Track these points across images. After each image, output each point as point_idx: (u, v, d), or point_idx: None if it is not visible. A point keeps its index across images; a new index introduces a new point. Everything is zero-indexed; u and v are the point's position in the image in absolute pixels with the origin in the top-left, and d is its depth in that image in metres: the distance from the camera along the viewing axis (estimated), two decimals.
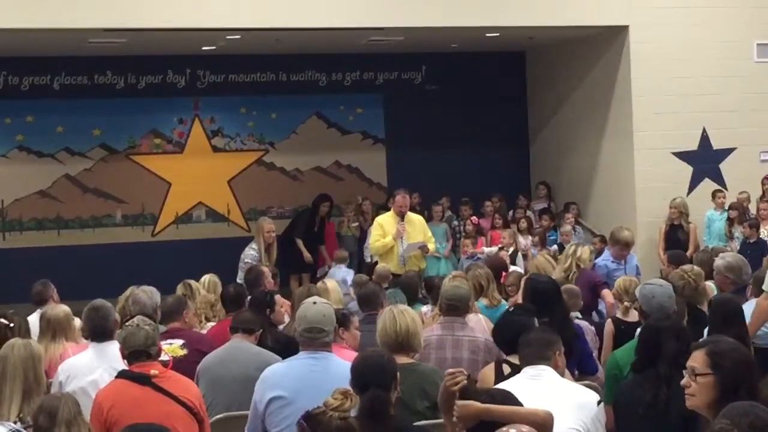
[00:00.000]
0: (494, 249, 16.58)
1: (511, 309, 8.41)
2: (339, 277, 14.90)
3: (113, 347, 7.78)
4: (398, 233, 13.85)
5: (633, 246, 13.69)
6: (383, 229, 14.01)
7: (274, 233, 14.22)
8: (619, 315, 10.05)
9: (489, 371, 7.45)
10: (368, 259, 15.93)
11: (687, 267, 10.20)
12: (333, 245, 18.17)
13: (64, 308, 9.06)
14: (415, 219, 14.33)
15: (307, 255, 17.56)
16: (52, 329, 8.76)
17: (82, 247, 18.49)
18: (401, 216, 14.05)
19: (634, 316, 9.54)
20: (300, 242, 17.64)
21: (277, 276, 12.71)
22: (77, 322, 9.19)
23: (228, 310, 9.84)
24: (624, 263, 13.09)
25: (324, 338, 6.75)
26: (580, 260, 11.89)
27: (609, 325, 9.86)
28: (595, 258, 13.39)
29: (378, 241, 13.99)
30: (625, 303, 9.94)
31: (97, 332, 7.99)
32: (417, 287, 11.86)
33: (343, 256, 16.97)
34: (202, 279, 11.20)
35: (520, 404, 5.34)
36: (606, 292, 11.53)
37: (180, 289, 10.55)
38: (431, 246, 14.32)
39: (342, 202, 18.88)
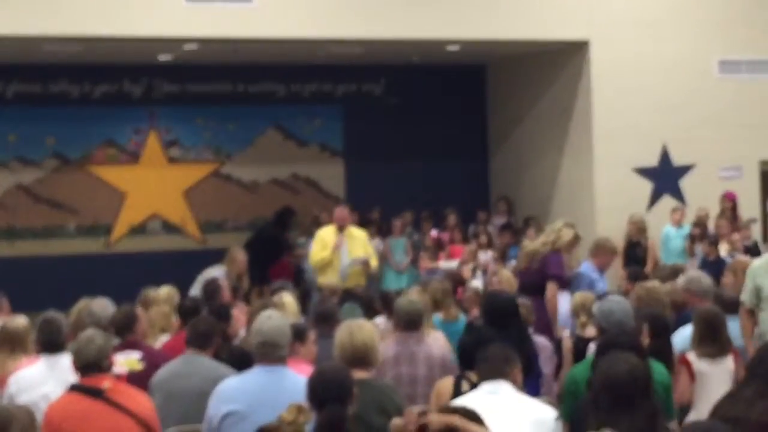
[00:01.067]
0: (453, 263, 16.52)
1: (475, 324, 8.37)
2: None
3: (65, 360, 7.74)
4: (336, 245, 13.83)
5: None
6: (323, 242, 14.02)
7: (245, 263, 14.12)
8: (576, 331, 9.99)
9: (446, 385, 7.42)
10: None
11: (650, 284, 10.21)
12: (287, 261, 18.05)
13: (23, 321, 8.89)
14: (357, 233, 14.41)
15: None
16: (10, 342, 8.58)
17: (35, 258, 18.27)
18: (341, 229, 14.01)
19: (592, 332, 9.49)
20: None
21: (239, 290, 12.59)
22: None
23: (184, 323, 9.68)
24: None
25: (279, 353, 6.73)
26: (560, 239, 11.85)
27: (567, 342, 9.84)
28: None
29: (317, 254, 14.01)
30: (582, 319, 9.89)
31: (50, 344, 7.98)
32: (373, 301, 11.75)
33: None
34: (161, 290, 11.09)
35: (485, 425, 5.22)
36: (551, 286, 11.45)
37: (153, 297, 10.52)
38: (373, 262, 14.31)
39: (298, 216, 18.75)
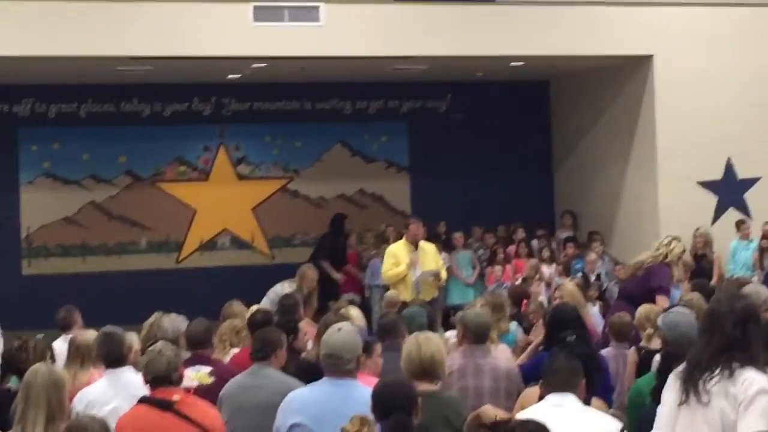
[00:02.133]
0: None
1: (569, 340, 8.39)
2: None
3: (128, 374, 7.79)
4: (412, 262, 13.83)
5: None
6: (396, 257, 14.00)
7: (316, 282, 14.22)
8: (642, 343, 10.01)
9: (532, 396, 7.43)
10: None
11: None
12: (356, 274, 18.19)
13: (93, 334, 8.99)
14: (428, 247, 14.29)
15: (335, 275, 17.51)
16: (81, 355, 8.73)
17: (107, 273, 18.56)
18: (415, 245, 14.03)
19: (656, 343, 9.51)
20: (326, 264, 17.57)
21: (308, 305, 12.72)
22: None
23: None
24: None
25: (344, 366, 6.70)
26: (671, 252, 11.99)
27: (632, 354, 9.84)
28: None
29: (391, 270, 13.99)
30: (648, 331, 9.91)
31: (111, 359, 7.94)
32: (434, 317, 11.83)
33: None
34: (234, 303, 11.25)
35: None
36: (662, 299, 11.52)
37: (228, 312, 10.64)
38: (443, 274, 14.30)
39: (363, 230, 18.86)
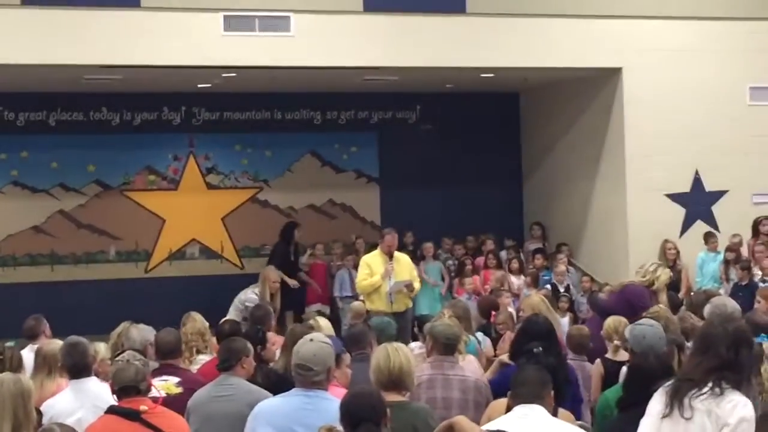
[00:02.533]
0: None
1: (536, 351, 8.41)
2: None
3: (91, 383, 7.77)
4: (386, 272, 13.84)
5: None
6: (370, 268, 14.02)
7: (278, 283, 14.22)
8: (608, 355, 10.05)
9: (500, 406, 7.42)
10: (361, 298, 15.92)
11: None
12: (324, 285, 18.16)
13: (59, 344, 8.93)
14: (402, 258, 14.34)
15: (290, 281, 17.41)
16: (48, 365, 8.71)
17: (76, 282, 18.49)
18: (390, 255, 14.05)
19: (623, 356, 9.55)
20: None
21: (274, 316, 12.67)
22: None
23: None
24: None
25: (314, 377, 6.68)
26: (658, 280, 12.10)
27: (598, 366, 9.87)
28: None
29: (365, 280, 14.01)
30: (615, 342, 9.95)
31: (77, 369, 7.92)
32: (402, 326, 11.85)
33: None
34: (192, 314, 11.18)
35: None
36: None
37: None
38: (416, 285, 14.33)
39: (331, 241, 18.87)
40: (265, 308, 11.57)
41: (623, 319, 10.34)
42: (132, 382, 6.65)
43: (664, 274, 12.34)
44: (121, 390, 6.66)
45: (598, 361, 10.00)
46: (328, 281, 18.29)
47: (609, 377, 9.42)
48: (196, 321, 10.62)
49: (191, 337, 10.25)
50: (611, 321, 10.36)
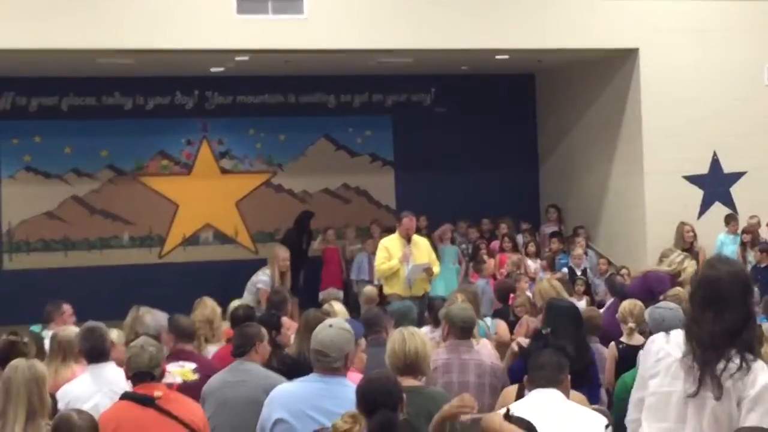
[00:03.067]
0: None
1: (545, 332, 8.35)
2: None
3: (109, 369, 7.77)
4: (404, 256, 13.77)
5: None
6: (389, 251, 13.95)
7: (288, 261, 14.17)
8: (623, 339, 9.97)
9: (510, 394, 7.38)
10: (376, 282, 15.86)
11: None
12: (337, 269, 18.10)
13: (74, 330, 8.98)
14: (420, 241, 14.27)
15: None
16: (63, 351, 8.70)
17: (89, 268, 18.50)
18: (408, 239, 13.98)
19: (638, 339, 9.49)
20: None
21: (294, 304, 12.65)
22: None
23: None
24: None
25: (331, 363, 6.61)
26: (684, 272, 12.07)
27: (612, 349, 9.81)
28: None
29: (384, 264, 13.94)
30: (630, 325, 9.87)
31: (94, 354, 7.93)
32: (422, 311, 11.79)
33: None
34: (204, 299, 11.14)
35: None
36: None
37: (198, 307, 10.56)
38: (436, 269, 14.24)
39: (343, 226, 18.82)
40: (283, 294, 11.60)
41: (639, 302, 10.28)
42: (146, 368, 6.66)
43: (691, 266, 12.22)
44: (136, 376, 6.69)
45: (612, 344, 9.94)
46: (342, 265, 18.22)
47: (622, 361, 9.37)
48: (206, 307, 10.57)
49: (199, 325, 10.19)
50: (627, 304, 10.30)
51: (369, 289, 13.91)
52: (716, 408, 5.06)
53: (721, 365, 5.07)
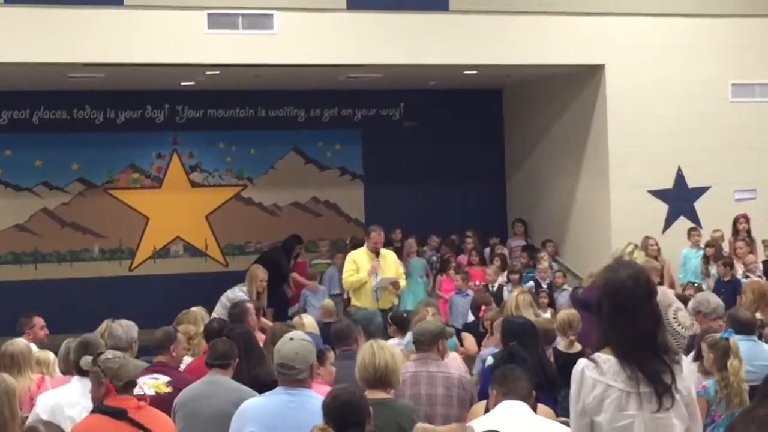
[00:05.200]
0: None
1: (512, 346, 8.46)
2: None
3: None
4: (373, 269, 13.85)
5: None
6: (356, 264, 14.04)
7: (265, 282, 14.24)
8: (560, 348, 10.11)
9: (480, 409, 7.46)
10: (346, 295, 15.95)
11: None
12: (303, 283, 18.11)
13: (22, 341, 9.17)
14: (388, 255, 14.36)
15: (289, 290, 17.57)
16: (17, 364, 8.77)
17: (60, 281, 18.48)
18: (376, 252, 14.06)
19: (576, 348, 9.65)
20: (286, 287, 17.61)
21: (260, 312, 12.64)
22: (51, 356, 9.22)
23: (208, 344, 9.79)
24: None
25: (296, 375, 6.66)
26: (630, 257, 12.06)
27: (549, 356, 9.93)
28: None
29: (352, 276, 14.01)
30: (570, 337, 10.04)
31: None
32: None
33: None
34: (192, 310, 11.23)
35: None
36: None
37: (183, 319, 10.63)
38: (402, 282, 14.34)
39: (317, 239, 18.91)
40: (242, 306, 11.54)
41: (575, 312, 10.45)
42: (134, 377, 6.65)
43: (640, 257, 12.16)
44: (128, 384, 6.61)
45: (549, 350, 10.05)
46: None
47: (560, 369, 9.33)
48: (189, 323, 10.66)
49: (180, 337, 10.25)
50: (564, 314, 10.47)
51: (326, 303, 14.02)
52: (677, 414, 5.06)
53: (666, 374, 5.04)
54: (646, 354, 5.05)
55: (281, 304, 16.82)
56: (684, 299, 11.51)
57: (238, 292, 13.98)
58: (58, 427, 5.85)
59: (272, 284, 16.05)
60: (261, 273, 14.25)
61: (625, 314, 5.07)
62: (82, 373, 7.89)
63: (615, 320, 5.10)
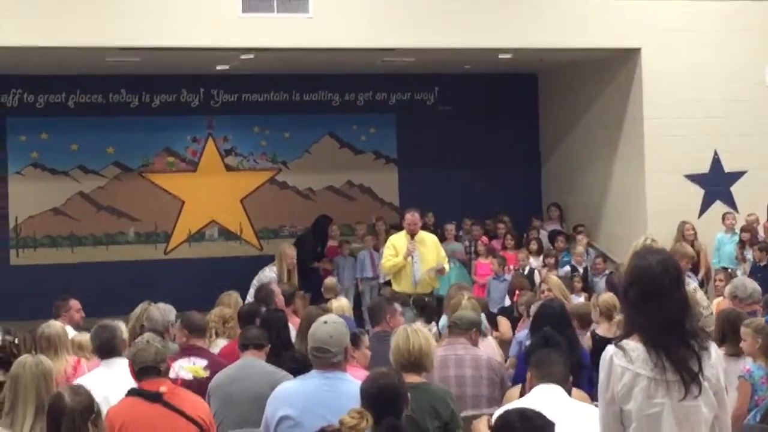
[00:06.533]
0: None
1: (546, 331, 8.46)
2: None
3: (120, 364, 7.81)
4: (408, 252, 13.77)
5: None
6: (395, 248, 13.93)
7: (295, 259, 14.24)
8: (599, 332, 10.07)
9: (514, 394, 7.48)
10: (382, 279, 15.96)
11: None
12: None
13: (58, 324, 9.25)
14: (428, 238, 14.22)
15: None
16: (53, 346, 8.84)
17: (96, 264, 18.57)
18: (412, 234, 14.00)
19: (616, 333, 9.63)
20: (315, 265, 17.61)
21: (293, 296, 12.64)
22: (88, 338, 9.29)
23: (242, 328, 9.83)
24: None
25: (331, 359, 6.66)
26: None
27: (587, 340, 9.89)
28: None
29: (389, 261, 13.94)
30: (616, 318, 9.99)
31: (105, 349, 7.97)
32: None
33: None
34: (231, 293, 11.31)
35: (551, 424, 5.19)
36: None
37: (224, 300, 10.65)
38: (446, 266, 14.25)
39: (354, 222, 18.92)
40: (267, 288, 11.58)
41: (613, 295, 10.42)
42: (153, 363, 6.67)
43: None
44: (141, 371, 6.69)
45: (587, 335, 10.02)
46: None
47: (598, 354, 9.29)
48: (229, 306, 10.72)
49: (213, 320, 10.31)
50: (606, 298, 10.42)
51: (328, 281, 14.11)
52: (705, 401, 5.02)
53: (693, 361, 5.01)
54: (674, 341, 5.02)
55: (316, 288, 16.80)
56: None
57: (267, 273, 14.02)
58: (87, 394, 5.80)
59: (303, 267, 16.11)
60: (290, 250, 14.29)
61: (653, 301, 5.04)
62: (104, 355, 7.97)
63: (642, 307, 5.07)
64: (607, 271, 16.67)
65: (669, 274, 5.11)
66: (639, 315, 5.09)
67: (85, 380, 7.88)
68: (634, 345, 5.06)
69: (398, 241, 14.07)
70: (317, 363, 6.74)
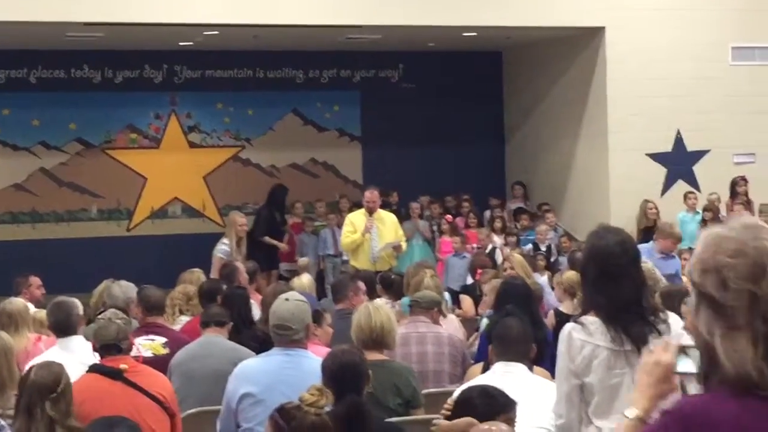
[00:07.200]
0: None
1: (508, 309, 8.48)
2: None
3: (76, 341, 7.78)
4: (366, 228, 13.82)
5: None
6: (354, 225, 14.01)
7: (245, 227, 14.21)
8: (563, 309, 10.09)
9: (476, 371, 7.49)
10: (345, 257, 15.93)
11: None
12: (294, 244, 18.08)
13: (20, 301, 9.23)
14: (386, 217, 14.29)
15: (281, 245, 17.51)
16: (14, 322, 8.80)
17: (57, 241, 18.47)
18: (370, 212, 14.04)
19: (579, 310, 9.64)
20: (267, 238, 17.49)
21: (256, 273, 12.62)
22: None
23: (203, 305, 9.81)
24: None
25: (292, 336, 6.65)
26: None
27: (551, 318, 9.91)
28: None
29: (348, 237, 14.01)
30: (579, 296, 9.98)
31: (60, 327, 7.94)
32: (374, 283, 11.87)
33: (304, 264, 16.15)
34: (195, 270, 11.28)
35: (513, 402, 5.23)
36: None
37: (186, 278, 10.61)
38: (403, 245, 14.33)
39: (315, 200, 18.88)
40: (232, 265, 11.57)
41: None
42: (113, 341, 6.63)
43: None
44: (103, 348, 6.66)
45: (551, 313, 10.05)
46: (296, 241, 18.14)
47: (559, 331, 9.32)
48: (192, 283, 10.69)
49: (177, 298, 10.28)
50: (569, 275, 10.43)
51: (302, 260, 14.05)
52: None
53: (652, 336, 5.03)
54: (632, 318, 5.07)
55: (264, 261, 16.63)
56: None
57: (220, 246, 13.96)
58: (56, 370, 5.79)
59: (253, 240, 16.10)
60: (239, 218, 14.23)
61: (611, 280, 5.09)
62: (60, 333, 7.94)
63: (600, 286, 5.13)
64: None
65: (628, 255, 5.16)
66: (597, 294, 5.14)
67: (41, 359, 7.87)
68: (592, 319, 5.11)
69: (357, 218, 14.12)
70: (279, 340, 6.73)
